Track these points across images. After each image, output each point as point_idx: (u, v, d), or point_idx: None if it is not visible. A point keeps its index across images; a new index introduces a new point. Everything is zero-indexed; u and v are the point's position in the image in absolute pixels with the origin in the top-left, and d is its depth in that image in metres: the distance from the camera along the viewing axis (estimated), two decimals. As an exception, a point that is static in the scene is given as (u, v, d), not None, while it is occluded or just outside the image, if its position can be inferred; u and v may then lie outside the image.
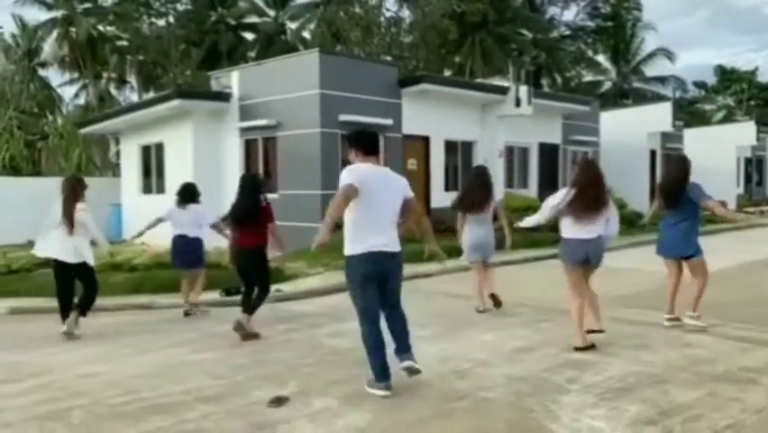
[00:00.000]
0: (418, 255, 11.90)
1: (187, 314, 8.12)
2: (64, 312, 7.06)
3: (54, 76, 34.07)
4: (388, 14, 27.14)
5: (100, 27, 32.60)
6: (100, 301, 7.46)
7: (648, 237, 13.24)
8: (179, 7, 33.04)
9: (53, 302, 8.80)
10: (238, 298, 7.27)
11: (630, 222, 17.80)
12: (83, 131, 21.18)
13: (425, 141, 16.16)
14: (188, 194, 8.23)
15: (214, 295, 8.98)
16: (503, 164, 17.84)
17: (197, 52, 31.94)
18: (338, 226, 4.46)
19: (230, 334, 6.81)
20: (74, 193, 7.03)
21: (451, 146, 16.84)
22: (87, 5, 32.22)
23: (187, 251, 8.14)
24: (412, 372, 4.64)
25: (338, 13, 27.50)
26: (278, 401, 4.46)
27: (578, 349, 5.61)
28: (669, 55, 38.44)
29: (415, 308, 8.03)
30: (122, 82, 34.67)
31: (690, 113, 40.58)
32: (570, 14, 37.93)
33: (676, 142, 24.17)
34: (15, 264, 10.09)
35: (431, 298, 8.70)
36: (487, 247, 7.61)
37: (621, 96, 38.17)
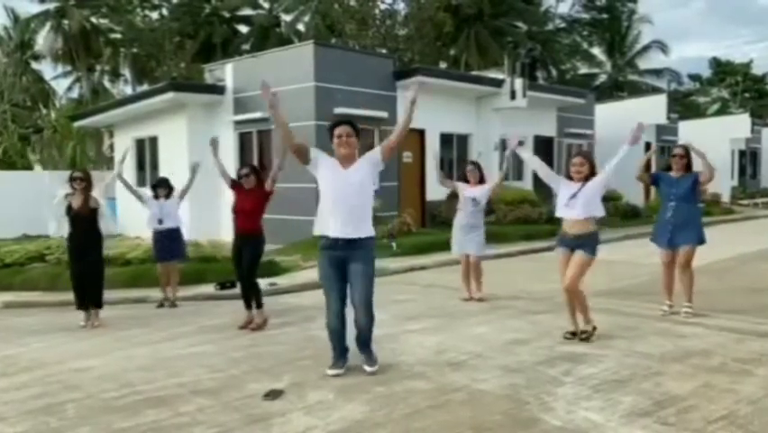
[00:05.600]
0: (417, 247, 11.83)
1: (161, 305, 8.23)
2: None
3: (47, 69, 33.92)
4: (383, 7, 26.93)
5: (93, 19, 32.39)
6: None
7: (641, 230, 13.26)
8: (173, -1, 32.90)
9: (47, 296, 8.87)
10: (232, 291, 7.27)
11: (625, 213, 17.86)
12: (77, 124, 21.04)
13: (421, 134, 16.10)
14: (170, 186, 8.38)
15: (209, 288, 8.99)
16: (498, 156, 17.82)
17: (192, 45, 31.72)
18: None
19: (225, 327, 6.82)
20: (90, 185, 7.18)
21: (446, 139, 16.81)
22: (80, -3, 32.05)
23: (177, 241, 8.26)
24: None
25: (333, 6, 27.34)
26: (274, 394, 4.46)
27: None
28: (663, 48, 38.53)
29: (411, 301, 8.07)
30: (115, 75, 34.48)
31: (684, 105, 40.65)
32: (565, 7, 38.13)
33: (671, 135, 24.21)
34: (9, 258, 10.04)
35: (427, 290, 8.69)
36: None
37: (616, 89, 38.15)
